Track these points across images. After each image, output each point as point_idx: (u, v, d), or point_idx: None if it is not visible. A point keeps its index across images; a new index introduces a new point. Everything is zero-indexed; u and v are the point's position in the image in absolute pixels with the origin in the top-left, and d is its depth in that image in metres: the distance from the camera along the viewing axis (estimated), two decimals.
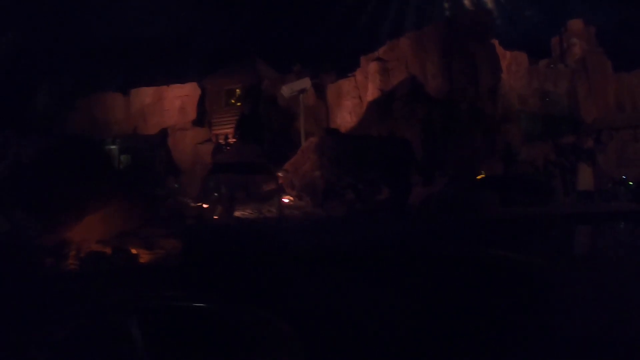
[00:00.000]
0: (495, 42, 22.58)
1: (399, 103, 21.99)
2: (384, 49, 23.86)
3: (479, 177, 19.73)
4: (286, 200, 19.03)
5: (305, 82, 22.62)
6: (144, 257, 7.99)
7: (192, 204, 18.04)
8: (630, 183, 17.79)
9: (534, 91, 24.49)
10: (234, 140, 29.50)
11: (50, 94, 42.76)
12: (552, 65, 25.52)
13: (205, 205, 17.58)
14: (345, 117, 23.91)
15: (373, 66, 23.37)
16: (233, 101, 35.20)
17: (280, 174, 19.69)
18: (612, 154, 20.31)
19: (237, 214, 16.27)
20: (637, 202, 15.74)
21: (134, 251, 8.02)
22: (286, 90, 22.86)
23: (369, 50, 25.21)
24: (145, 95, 32.17)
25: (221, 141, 28.39)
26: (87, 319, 3.20)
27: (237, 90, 36.44)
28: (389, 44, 23.79)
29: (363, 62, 24.62)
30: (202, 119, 32.33)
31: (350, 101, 24.02)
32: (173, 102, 31.89)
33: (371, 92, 23.14)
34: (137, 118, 32.16)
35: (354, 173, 18.01)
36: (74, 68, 39.53)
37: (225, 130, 29.87)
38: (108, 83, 34.22)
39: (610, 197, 17.45)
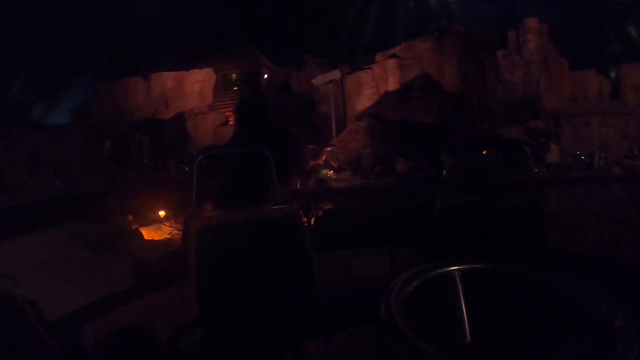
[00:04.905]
0: None
1: (417, 93, 25.91)
2: (401, 48, 27.79)
3: (484, 152, 24.15)
4: (328, 174, 22.24)
5: (336, 74, 26.32)
6: None
7: None
8: (582, 157, 23.46)
9: None
10: (232, 123, 32.34)
11: (25, 84, 44.34)
12: (509, 57, 28.69)
13: None
14: (365, 104, 27.56)
15: (391, 62, 27.23)
16: (235, 87, 38.04)
17: (328, 149, 23.08)
18: (568, 136, 25.15)
19: None
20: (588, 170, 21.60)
21: None
22: (319, 80, 26.43)
23: (368, 45, 29.00)
24: (166, 79, 34.14)
25: None
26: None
27: (233, 75, 39.31)
28: (405, 44, 27.74)
29: (379, 57, 28.42)
30: None
31: (369, 90, 27.66)
32: (193, 87, 34.18)
33: (390, 84, 26.97)
34: (158, 102, 33.78)
35: (398, 151, 21.86)
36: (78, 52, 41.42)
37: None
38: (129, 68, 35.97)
39: (570, 168, 22.66)
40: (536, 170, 21.19)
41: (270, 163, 4.28)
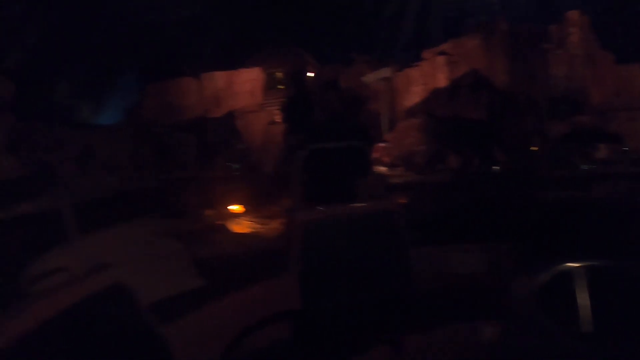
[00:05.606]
0: None
1: (466, 90, 26.48)
2: (449, 45, 28.43)
3: (532, 148, 24.62)
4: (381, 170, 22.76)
5: (387, 71, 27.09)
6: None
7: None
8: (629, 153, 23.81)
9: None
10: (280, 121, 33.26)
11: (69, 84, 45.66)
12: (552, 52, 28.59)
13: None
14: (414, 100, 28.23)
15: (440, 59, 27.88)
16: (281, 86, 38.82)
17: (381, 145, 23.71)
18: (614, 131, 25.43)
19: None
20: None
21: None
22: (370, 77, 27.22)
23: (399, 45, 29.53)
24: (217, 79, 35.20)
25: None
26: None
27: (278, 74, 40.11)
28: (454, 41, 28.38)
29: (426, 54, 29.10)
30: None
31: (418, 87, 28.36)
32: (243, 86, 35.18)
33: (440, 80, 27.62)
34: (209, 102, 34.80)
35: (448, 147, 22.48)
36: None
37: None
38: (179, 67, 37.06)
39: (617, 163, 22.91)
40: (586, 166, 21.65)
41: (367, 158, 4.39)
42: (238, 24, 44.81)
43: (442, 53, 28.34)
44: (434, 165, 22.30)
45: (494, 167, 21.51)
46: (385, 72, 26.87)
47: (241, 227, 14.26)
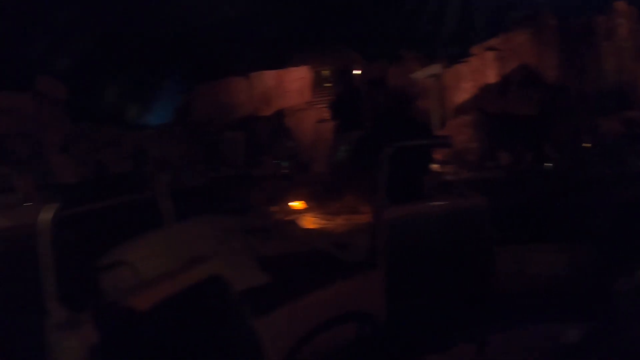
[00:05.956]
0: None
1: (516, 86, 26.46)
2: (498, 40, 28.39)
3: (585, 145, 24.42)
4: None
5: (437, 68, 27.22)
6: None
7: None
8: None
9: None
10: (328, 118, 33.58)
11: (117, 86, 46.73)
12: (600, 44, 27.89)
13: None
14: (464, 97, 28.30)
15: (490, 54, 27.89)
16: (328, 84, 39.16)
17: None
18: None
19: None
20: None
21: None
22: (419, 74, 27.40)
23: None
24: (266, 78, 35.65)
25: None
26: None
27: (325, 72, 40.41)
28: (503, 36, 28.30)
29: (475, 50, 29.11)
30: None
31: (468, 83, 28.40)
32: (292, 85, 35.63)
33: (489, 76, 27.64)
34: (259, 100, 35.24)
35: (500, 143, 22.55)
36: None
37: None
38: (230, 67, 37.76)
39: None
40: None
41: (432, 156, 4.38)
42: (283, 23, 45.13)
43: (491, 48, 28.33)
44: (486, 162, 22.43)
45: (546, 164, 21.51)
46: (435, 68, 27.01)
47: (308, 223, 14.54)
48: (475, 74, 28.42)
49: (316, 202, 16.84)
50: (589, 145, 24.02)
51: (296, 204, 16.88)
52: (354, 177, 15.94)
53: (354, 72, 38.72)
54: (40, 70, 31.58)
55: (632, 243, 4.60)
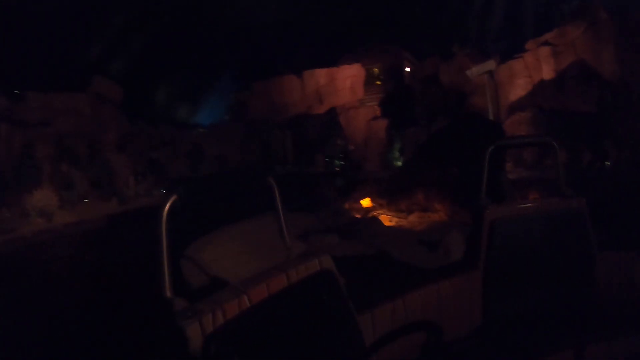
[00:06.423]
0: None
1: (573, 82, 26.12)
2: (553, 35, 27.99)
3: None
4: None
5: (491, 64, 27.04)
6: None
7: None
8: None
9: None
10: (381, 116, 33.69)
11: (171, 87, 47.67)
12: None
13: None
14: (518, 93, 28.08)
15: (544, 50, 27.58)
16: (378, 82, 39.36)
17: None
18: None
19: None
20: None
21: None
22: (473, 71, 27.27)
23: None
24: (319, 76, 36.16)
25: None
26: None
27: (375, 69, 40.62)
28: (558, 30, 27.85)
29: (530, 45, 28.80)
30: None
31: (522, 80, 28.14)
32: (344, 82, 36.06)
33: (545, 72, 27.36)
34: (312, 98, 35.88)
35: (557, 141, 22.31)
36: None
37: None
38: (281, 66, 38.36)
39: None
40: None
41: (556, 154, 4.17)
42: (335, 21, 45.49)
43: (545, 43, 28.00)
44: (544, 161, 22.31)
45: (606, 163, 21.24)
46: (489, 64, 26.83)
47: (384, 220, 14.58)
48: (530, 70, 28.15)
49: (385, 200, 16.95)
50: None
51: (365, 202, 17.06)
52: (422, 175, 15.96)
53: (406, 69, 38.87)
54: (97, 72, 32.55)
55: None
